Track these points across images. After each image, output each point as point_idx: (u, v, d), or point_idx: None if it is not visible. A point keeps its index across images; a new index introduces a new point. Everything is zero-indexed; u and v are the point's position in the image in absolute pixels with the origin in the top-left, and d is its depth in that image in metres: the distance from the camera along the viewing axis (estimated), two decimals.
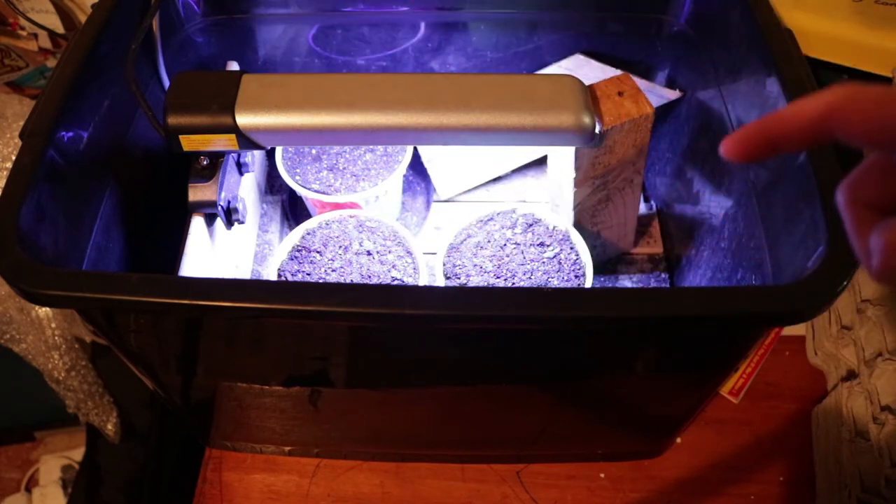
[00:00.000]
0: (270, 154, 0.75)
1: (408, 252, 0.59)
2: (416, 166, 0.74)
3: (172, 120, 0.47)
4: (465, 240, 0.60)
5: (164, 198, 0.58)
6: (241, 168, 0.62)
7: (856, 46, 0.68)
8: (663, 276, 0.69)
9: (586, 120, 0.47)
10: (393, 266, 0.58)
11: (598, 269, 0.69)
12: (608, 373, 0.51)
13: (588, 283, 0.57)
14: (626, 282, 0.69)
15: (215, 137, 0.48)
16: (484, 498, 0.63)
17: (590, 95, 0.49)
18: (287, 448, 0.64)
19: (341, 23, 0.68)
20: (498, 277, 0.57)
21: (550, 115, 0.47)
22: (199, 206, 0.54)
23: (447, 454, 0.65)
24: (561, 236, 0.59)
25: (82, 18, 0.82)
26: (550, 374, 0.50)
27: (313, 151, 0.68)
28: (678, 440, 0.65)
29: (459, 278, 0.58)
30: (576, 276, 0.57)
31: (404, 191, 0.75)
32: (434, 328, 0.43)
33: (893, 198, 0.25)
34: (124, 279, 0.38)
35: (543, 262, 0.58)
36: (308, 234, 0.61)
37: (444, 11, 0.67)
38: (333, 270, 0.58)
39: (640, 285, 0.69)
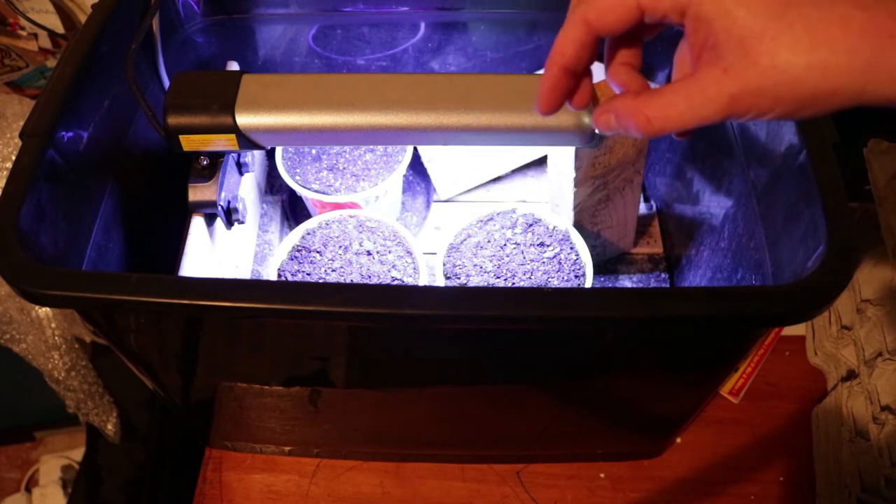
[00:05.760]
0: (270, 154, 0.75)
1: (408, 252, 0.59)
2: (416, 166, 0.74)
3: (172, 120, 0.47)
4: (465, 240, 0.60)
5: (164, 198, 0.58)
6: (241, 168, 0.62)
7: None
8: (663, 276, 0.69)
9: (586, 120, 0.47)
10: (393, 266, 0.58)
11: (598, 269, 0.69)
12: (608, 373, 0.51)
13: (588, 283, 0.57)
14: (626, 282, 0.69)
15: (215, 137, 0.48)
16: (484, 498, 0.63)
17: None
18: (287, 448, 0.64)
19: (341, 23, 0.68)
20: (498, 277, 0.57)
21: (550, 116, 0.47)
22: (199, 206, 0.54)
23: (447, 454, 0.65)
24: (561, 236, 0.59)
25: (82, 18, 0.82)
26: (550, 373, 0.50)
27: (313, 151, 0.68)
28: (678, 440, 0.65)
29: (459, 278, 0.58)
30: (576, 276, 0.57)
31: (404, 191, 0.75)
32: (434, 328, 0.43)
33: (583, 65, 0.34)
34: (124, 279, 0.38)
35: (543, 262, 0.58)
36: (308, 234, 0.61)
37: (444, 11, 0.67)
38: (333, 270, 0.58)
39: (640, 285, 0.69)
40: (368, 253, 0.59)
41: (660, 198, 0.73)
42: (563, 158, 0.56)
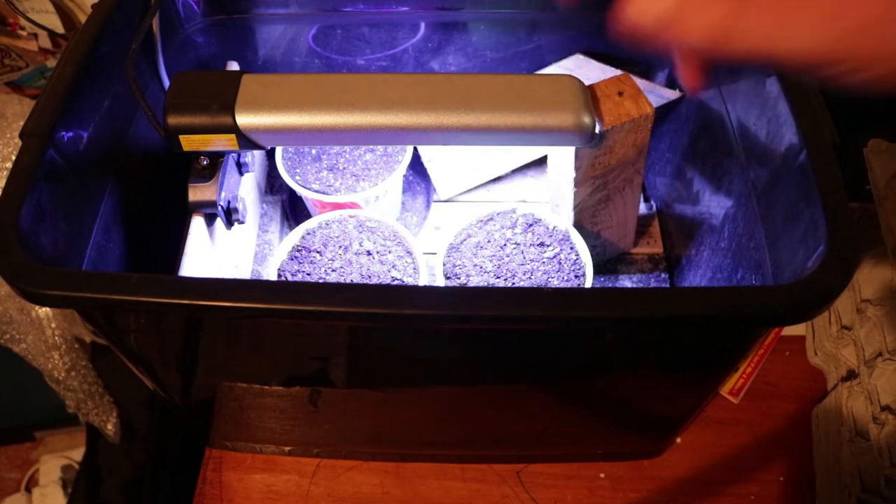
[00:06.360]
0: (270, 154, 0.75)
1: (408, 252, 0.59)
2: (416, 166, 0.74)
3: (172, 120, 0.47)
4: (465, 240, 0.60)
5: (164, 198, 0.58)
6: (241, 168, 0.62)
7: None
8: (663, 276, 0.69)
9: (586, 120, 0.47)
10: (393, 266, 0.58)
11: (598, 269, 0.69)
12: (608, 373, 0.51)
13: (588, 283, 0.57)
14: (626, 282, 0.69)
15: (215, 137, 0.48)
16: (484, 498, 0.63)
17: (590, 95, 0.49)
18: (287, 448, 0.64)
19: (341, 23, 0.68)
20: (498, 277, 0.57)
21: (550, 115, 0.47)
22: (199, 206, 0.54)
23: (447, 454, 0.65)
24: (561, 236, 0.59)
25: (82, 18, 0.82)
26: (551, 374, 0.50)
27: (313, 151, 0.68)
28: (678, 440, 0.65)
29: (459, 278, 0.58)
30: (576, 276, 0.57)
31: (404, 191, 0.75)
32: (434, 328, 0.43)
33: None
34: (124, 279, 0.38)
35: (543, 262, 0.58)
36: (308, 234, 0.61)
37: (444, 11, 0.67)
38: (333, 270, 0.58)
39: (640, 285, 0.69)
40: (368, 253, 0.59)
41: (660, 198, 0.73)
42: (563, 158, 0.56)
